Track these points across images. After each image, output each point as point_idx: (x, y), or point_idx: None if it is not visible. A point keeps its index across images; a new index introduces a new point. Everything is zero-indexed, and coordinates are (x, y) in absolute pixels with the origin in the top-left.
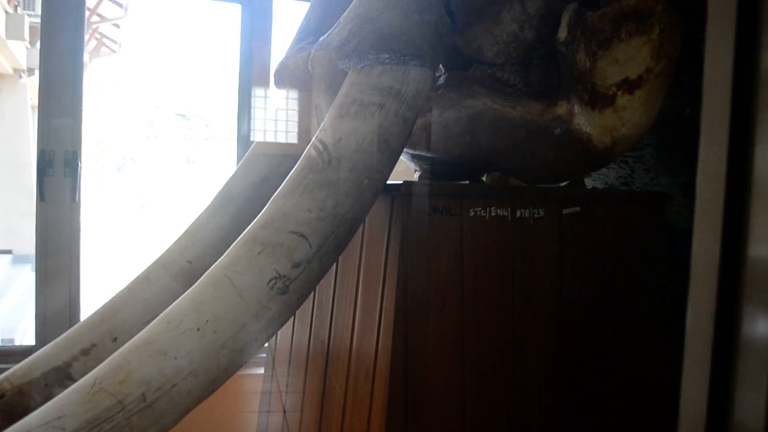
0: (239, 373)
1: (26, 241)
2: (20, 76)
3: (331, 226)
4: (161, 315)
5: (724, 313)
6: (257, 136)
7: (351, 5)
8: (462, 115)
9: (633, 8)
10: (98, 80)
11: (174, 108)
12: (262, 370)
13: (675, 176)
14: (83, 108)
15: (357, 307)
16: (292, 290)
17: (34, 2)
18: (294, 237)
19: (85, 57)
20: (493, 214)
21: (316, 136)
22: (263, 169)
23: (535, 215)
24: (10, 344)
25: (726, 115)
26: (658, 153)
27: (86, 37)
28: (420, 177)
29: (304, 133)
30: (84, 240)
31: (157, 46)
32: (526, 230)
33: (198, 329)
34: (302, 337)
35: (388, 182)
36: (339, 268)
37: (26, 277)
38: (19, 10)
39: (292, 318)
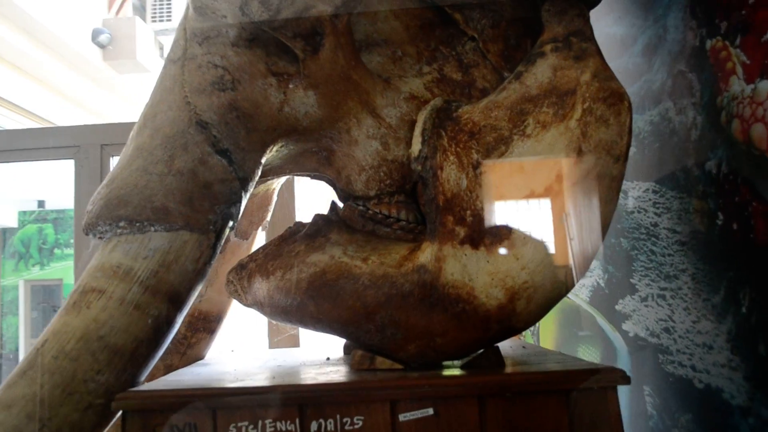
0: None
1: None
2: None
3: None
4: None
5: None
6: None
7: None
8: (303, 276)
9: (547, 87)
10: None
11: None
12: None
13: (719, 321)
14: None
15: None
16: None
17: None
18: None
19: None
20: (270, 429)
21: None
22: None
23: (348, 426)
24: None
25: None
26: (695, 284)
27: None
28: (344, 347)
29: None
30: None
31: None
32: None
33: None
34: None
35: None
36: None
37: None
38: None
39: None
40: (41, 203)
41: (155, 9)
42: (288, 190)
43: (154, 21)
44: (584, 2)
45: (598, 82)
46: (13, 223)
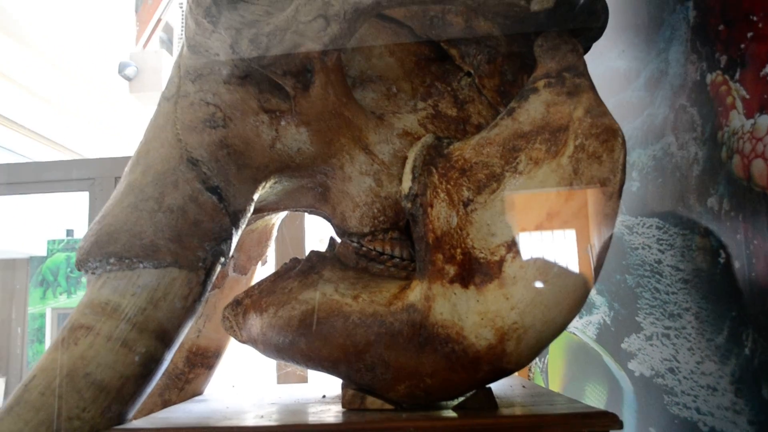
0: None
1: None
2: None
3: None
4: None
5: None
6: None
7: None
8: (295, 314)
9: (540, 123)
10: None
11: None
12: None
13: (723, 362)
14: None
15: None
16: None
17: None
18: None
19: None
20: None
21: None
22: None
23: None
24: None
25: None
26: (699, 323)
27: None
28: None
29: None
30: None
31: None
32: None
33: None
34: None
35: None
36: None
37: None
38: None
39: None
40: (70, 232)
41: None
42: (295, 224)
43: None
44: (584, 37)
45: (590, 117)
46: (42, 251)
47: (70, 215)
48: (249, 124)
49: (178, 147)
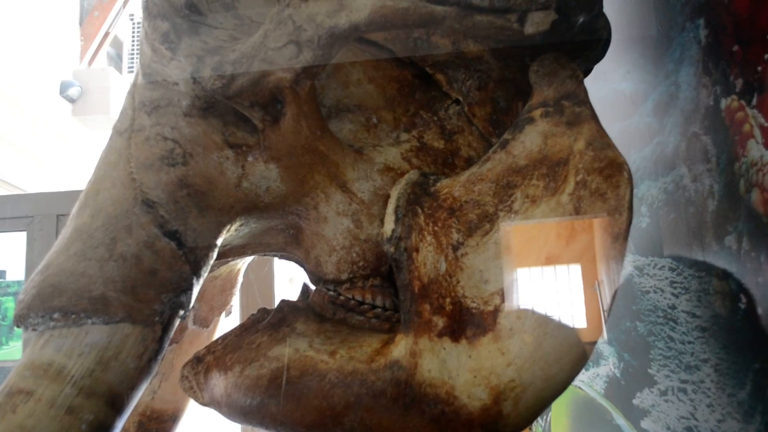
0: None
1: None
2: None
3: None
4: None
5: None
6: None
7: None
8: (264, 373)
9: (537, 157)
10: None
11: None
12: None
13: (746, 420)
14: None
15: None
16: None
17: None
18: None
19: None
20: None
21: None
22: None
23: None
24: None
25: None
26: (719, 376)
27: None
28: None
29: None
30: None
31: None
32: None
33: None
34: None
35: None
36: None
37: None
38: None
39: None
40: (2, 273)
41: (133, 59)
42: (265, 269)
43: (131, 72)
44: (584, 59)
45: (592, 150)
46: None
47: (1, 254)
48: (212, 160)
49: (132, 187)
